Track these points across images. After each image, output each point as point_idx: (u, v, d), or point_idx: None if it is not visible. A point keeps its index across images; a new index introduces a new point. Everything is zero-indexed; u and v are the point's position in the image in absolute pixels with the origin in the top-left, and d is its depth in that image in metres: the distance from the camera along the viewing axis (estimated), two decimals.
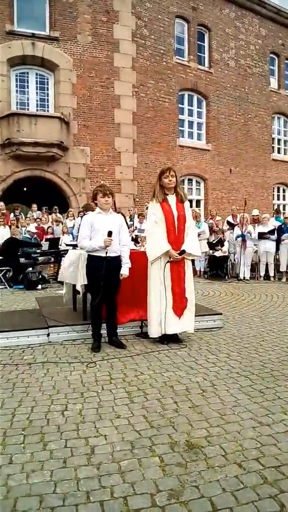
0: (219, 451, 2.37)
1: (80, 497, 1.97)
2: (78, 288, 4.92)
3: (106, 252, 4.28)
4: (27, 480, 2.11)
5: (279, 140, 20.99)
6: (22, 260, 9.69)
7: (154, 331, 4.57)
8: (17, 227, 11.00)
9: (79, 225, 7.32)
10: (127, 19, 15.29)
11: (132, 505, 1.91)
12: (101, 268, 4.23)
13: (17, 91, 14.49)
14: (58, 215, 13.07)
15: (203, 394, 3.19)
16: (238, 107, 18.82)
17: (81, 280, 4.80)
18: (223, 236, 11.27)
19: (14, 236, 10.22)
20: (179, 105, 17.36)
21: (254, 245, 10.69)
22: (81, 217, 9.29)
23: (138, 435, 2.57)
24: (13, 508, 1.90)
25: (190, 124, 17.95)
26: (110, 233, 4.26)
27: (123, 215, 5.36)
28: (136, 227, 11.81)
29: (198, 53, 17.81)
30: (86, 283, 4.69)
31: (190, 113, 17.90)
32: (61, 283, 9.25)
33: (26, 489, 2.04)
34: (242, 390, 3.27)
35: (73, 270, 5.13)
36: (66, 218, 12.45)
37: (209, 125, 18.08)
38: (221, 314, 5.69)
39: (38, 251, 9.90)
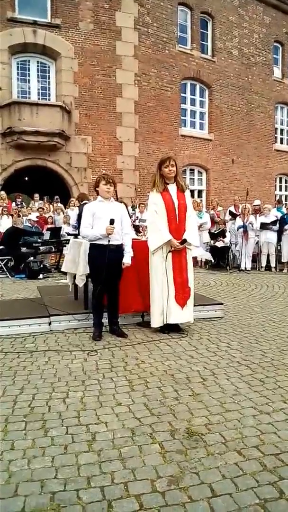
0: (219, 438, 2.39)
1: (80, 483, 1.99)
2: (78, 281, 4.92)
3: (109, 241, 4.27)
4: (28, 466, 2.13)
5: (282, 130, 20.83)
6: (23, 249, 9.70)
7: (156, 321, 4.58)
8: (19, 216, 10.99)
9: (77, 215, 7.31)
10: (129, 6, 15.10)
11: (132, 490, 1.93)
12: (103, 257, 4.22)
13: (18, 79, 14.39)
14: (59, 204, 13.05)
15: (203, 383, 3.21)
16: (241, 96, 18.65)
17: (81, 271, 4.80)
18: (225, 227, 11.25)
19: (15, 226, 10.21)
20: (182, 94, 17.21)
21: (256, 235, 10.68)
22: (78, 207, 9.30)
23: (139, 422, 2.59)
24: (15, 493, 1.92)
25: (193, 113, 17.81)
26: (112, 221, 4.23)
27: (125, 204, 5.35)
28: (137, 216, 11.81)
29: (201, 42, 17.60)
30: (87, 273, 4.69)
31: (193, 102, 17.75)
32: (63, 273, 9.31)
33: (28, 474, 2.06)
34: (243, 379, 3.29)
35: (74, 259, 5.13)
36: (68, 208, 12.42)
37: (211, 115, 17.94)
38: (222, 304, 5.70)
39: (40, 240, 9.90)
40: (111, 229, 4.22)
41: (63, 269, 6.00)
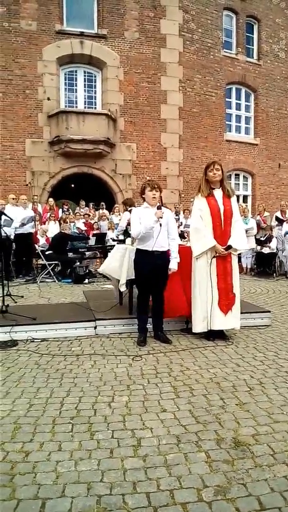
0: (267, 450, 2.32)
1: (126, 487, 2.00)
2: (122, 286, 4.95)
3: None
4: (75, 468, 2.16)
5: None
6: (70, 255, 9.92)
7: (198, 327, 4.53)
8: (66, 222, 11.25)
9: (128, 219, 7.36)
10: (174, 14, 15.16)
11: (178, 498, 1.92)
12: (149, 262, 4.24)
13: (65, 89, 14.79)
14: (104, 210, 13.25)
15: (250, 392, 3.13)
16: None
17: (124, 277, 4.83)
18: (271, 233, 10.99)
19: (63, 231, 10.46)
20: (227, 99, 17.03)
21: None
22: (129, 211, 9.35)
23: (184, 429, 2.56)
24: (62, 493, 1.95)
25: (238, 118, 17.57)
26: (159, 207, 4.32)
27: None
28: (181, 222, 11.77)
29: (246, 45, 17.36)
30: (131, 278, 4.72)
31: (238, 107, 17.51)
32: (106, 277, 9.42)
33: (75, 476, 2.09)
34: None
35: (117, 265, 5.16)
36: (112, 214, 12.58)
37: (257, 119, 17.62)
38: (269, 312, 5.55)
39: (86, 245, 10.09)
40: (160, 212, 4.27)
41: (99, 270, 6.04)
